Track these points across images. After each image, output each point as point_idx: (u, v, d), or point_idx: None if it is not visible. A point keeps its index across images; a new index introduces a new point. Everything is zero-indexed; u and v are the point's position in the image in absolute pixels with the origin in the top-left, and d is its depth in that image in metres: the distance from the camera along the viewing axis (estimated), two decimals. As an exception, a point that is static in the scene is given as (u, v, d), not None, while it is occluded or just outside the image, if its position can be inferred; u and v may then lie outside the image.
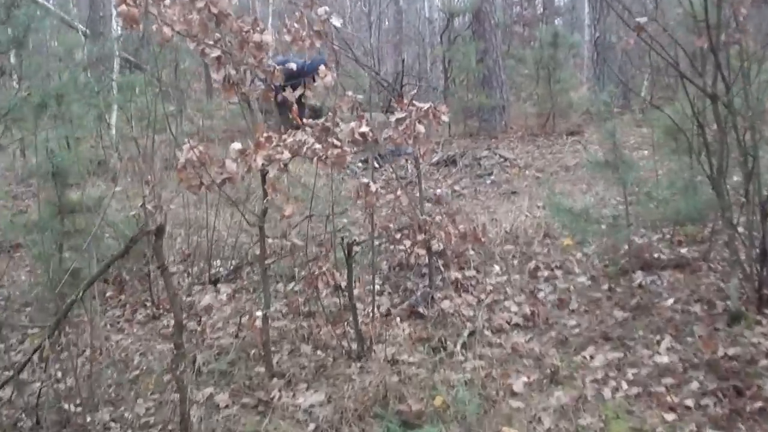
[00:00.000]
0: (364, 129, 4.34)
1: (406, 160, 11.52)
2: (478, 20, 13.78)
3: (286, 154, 4.38)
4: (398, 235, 6.17)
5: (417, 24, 25.08)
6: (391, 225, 6.24)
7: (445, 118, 4.45)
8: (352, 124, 4.38)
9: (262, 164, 4.30)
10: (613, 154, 5.65)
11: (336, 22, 5.10)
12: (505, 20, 23.20)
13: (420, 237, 5.62)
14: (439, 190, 9.60)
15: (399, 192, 5.96)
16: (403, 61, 16.66)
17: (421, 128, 4.35)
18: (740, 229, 5.32)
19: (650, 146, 11.24)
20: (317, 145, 4.41)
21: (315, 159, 4.42)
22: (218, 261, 7.30)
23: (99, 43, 12.70)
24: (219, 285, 6.78)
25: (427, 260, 6.09)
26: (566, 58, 13.96)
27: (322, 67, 5.04)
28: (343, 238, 5.39)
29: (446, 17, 14.23)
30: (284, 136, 4.50)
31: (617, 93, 14.57)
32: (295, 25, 4.95)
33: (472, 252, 6.86)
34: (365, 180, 4.65)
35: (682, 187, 5.73)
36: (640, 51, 15.49)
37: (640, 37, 4.68)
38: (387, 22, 34.31)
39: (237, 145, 4.35)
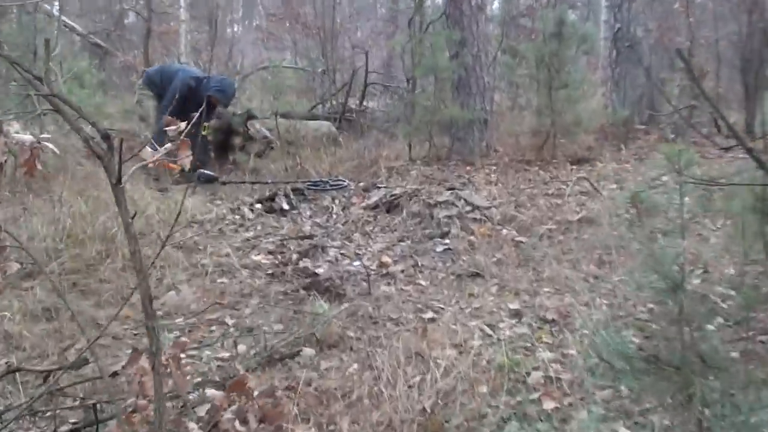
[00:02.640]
0: None
1: (333, 199, 7.91)
2: (453, 1, 10.00)
3: None
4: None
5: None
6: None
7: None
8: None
9: None
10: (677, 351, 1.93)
11: None
12: (510, 11, 19.39)
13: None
14: (357, 263, 6.00)
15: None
16: (366, 54, 13.01)
17: None
18: None
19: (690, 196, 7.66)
20: None
21: None
22: None
23: None
24: None
25: None
26: (575, 56, 10.16)
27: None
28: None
29: (414, -4, 10.46)
30: None
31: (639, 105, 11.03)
32: None
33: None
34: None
35: None
36: (671, 47, 11.87)
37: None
38: (382, 10, 30.74)
39: None
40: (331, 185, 8.21)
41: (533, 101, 11.49)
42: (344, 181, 8.34)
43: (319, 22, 15.13)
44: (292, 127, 10.09)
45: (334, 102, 12.74)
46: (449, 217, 6.73)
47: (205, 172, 8.43)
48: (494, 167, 9.35)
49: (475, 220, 6.76)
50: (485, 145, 10.05)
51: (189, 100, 8.64)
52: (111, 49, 17.16)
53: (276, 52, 22.50)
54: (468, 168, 9.35)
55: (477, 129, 9.94)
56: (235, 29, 39.48)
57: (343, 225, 7.19)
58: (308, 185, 8.18)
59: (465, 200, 7.03)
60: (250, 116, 9.98)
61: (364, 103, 12.93)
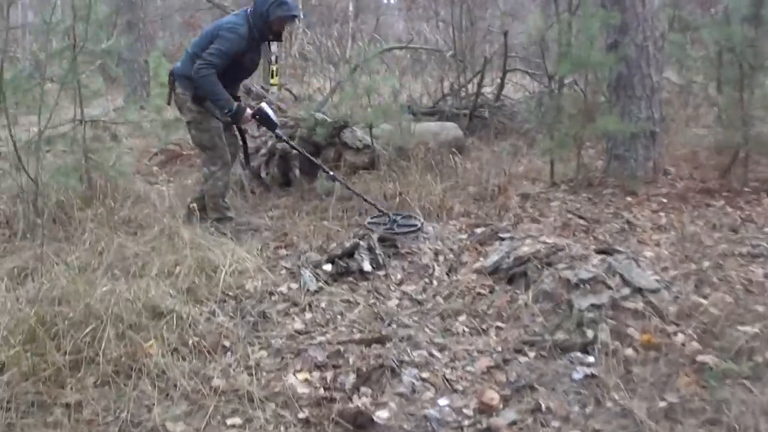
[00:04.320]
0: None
1: (437, 254, 5.80)
2: (611, -28, 7.58)
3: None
4: None
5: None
6: None
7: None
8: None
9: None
10: None
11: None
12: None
13: None
14: (444, 403, 3.88)
15: None
16: (505, 34, 10.73)
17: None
18: None
19: None
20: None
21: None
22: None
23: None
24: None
25: None
26: (781, 50, 7.56)
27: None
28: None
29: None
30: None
31: None
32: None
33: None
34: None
35: None
36: None
37: None
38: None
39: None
40: (399, 225, 6.08)
41: (710, 92, 9.07)
42: (417, 222, 6.16)
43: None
44: (401, 133, 7.82)
45: (464, 94, 10.53)
46: (596, 307, 4.49)
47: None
48: (664, 199, 7.01)
49: (635, 313, 4.49)
50: (652, 165, 7.64)
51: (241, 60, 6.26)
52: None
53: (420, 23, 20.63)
54: (629, 199, 7.06)
55: (642, 145, 7.57)
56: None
57: (444, 300, 5.06)
58: (393, 226, 6.08)
59: (622, 277, 4.77)
60: (342, 126, 7.74)
61: (502, 96, 10.68)
